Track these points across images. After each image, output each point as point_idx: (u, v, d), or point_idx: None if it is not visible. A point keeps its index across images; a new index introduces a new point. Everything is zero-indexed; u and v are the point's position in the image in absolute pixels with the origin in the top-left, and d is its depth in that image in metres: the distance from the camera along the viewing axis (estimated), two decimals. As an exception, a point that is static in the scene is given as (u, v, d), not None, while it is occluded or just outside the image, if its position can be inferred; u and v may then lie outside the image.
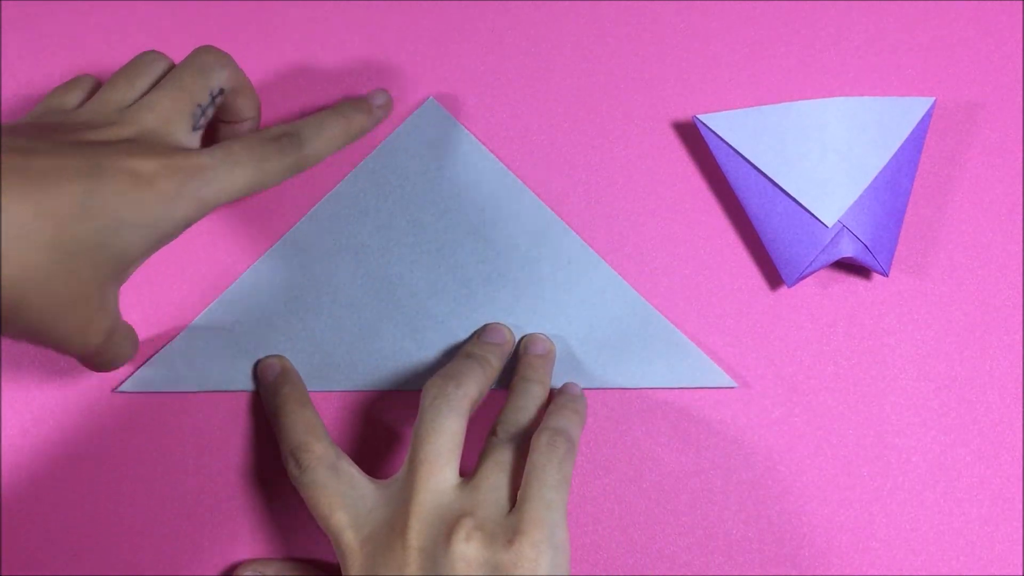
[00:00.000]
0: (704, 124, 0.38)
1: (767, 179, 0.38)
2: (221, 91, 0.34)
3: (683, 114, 0.41)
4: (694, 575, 0.39)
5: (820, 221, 0.38)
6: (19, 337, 0.29)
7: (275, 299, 0.40)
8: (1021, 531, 0.39)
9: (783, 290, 0.40)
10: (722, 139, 0.38)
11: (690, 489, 0.39)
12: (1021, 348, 0.40)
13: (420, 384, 0.40)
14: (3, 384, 0.40)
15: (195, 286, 0.40)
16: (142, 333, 0.40)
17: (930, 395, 0.40)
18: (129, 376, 0.39)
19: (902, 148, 0.38)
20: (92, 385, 0.40)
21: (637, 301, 0.40)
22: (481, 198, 0.40)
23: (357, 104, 0.37)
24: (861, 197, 0.38)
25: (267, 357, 0.39)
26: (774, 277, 0.40)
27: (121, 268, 0.30)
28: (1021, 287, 0.40)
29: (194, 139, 0.33)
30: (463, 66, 0.41)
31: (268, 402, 0.38)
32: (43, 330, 0.29)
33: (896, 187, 0.38)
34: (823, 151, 0.38)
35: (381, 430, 0.40)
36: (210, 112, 0.34)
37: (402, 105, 0.41)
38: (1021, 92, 0.41)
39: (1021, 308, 0.40)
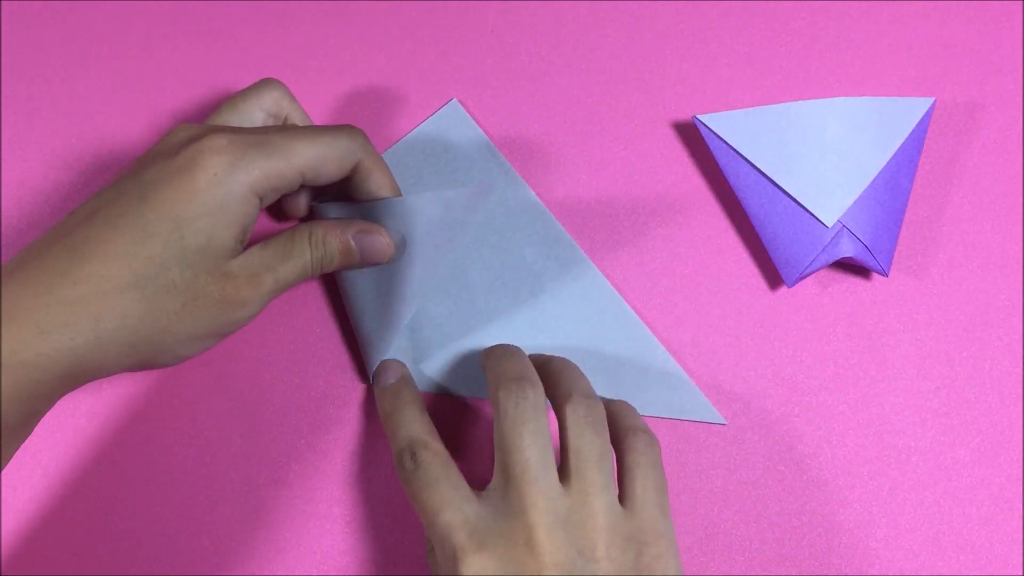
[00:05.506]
0: (704, 124, 0.38)
1: (767, 179, 0.38)
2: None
3: (683, 114, 0.41)
4: (694, 575, 0.39)
5: (820, 221, 0.38)
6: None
7: None
8: (1021, 531, 0.39)
9: (783, 290, 0.40)
10: (722, 139, 0.38)
11: (690, 489, 0.39)
12: (1021, 348, 0.40)
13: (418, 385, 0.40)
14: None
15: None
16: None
17: (930, 395, 0.40)
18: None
19: (902, 148, 0.38)
20: (92, 383, 0.40)
21: (638, 328, 0.39)
22: (492, 206, 0.40)
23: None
24: (861, 197, 0.38)
25: (389, 360, 0.39)
26: (774, 277, 0.40)
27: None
28: (1021, 287, 0.40)
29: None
30: (462, 67, 0.41)
31: (386, 402, 0.38)
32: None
33: (896, 187, 0.38)
34: (823, 151, 0.38)
35: (371, 423, 0.40)
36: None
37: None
38: (1021, 92, 0.41)
39: (1021, 308, 0.40)
